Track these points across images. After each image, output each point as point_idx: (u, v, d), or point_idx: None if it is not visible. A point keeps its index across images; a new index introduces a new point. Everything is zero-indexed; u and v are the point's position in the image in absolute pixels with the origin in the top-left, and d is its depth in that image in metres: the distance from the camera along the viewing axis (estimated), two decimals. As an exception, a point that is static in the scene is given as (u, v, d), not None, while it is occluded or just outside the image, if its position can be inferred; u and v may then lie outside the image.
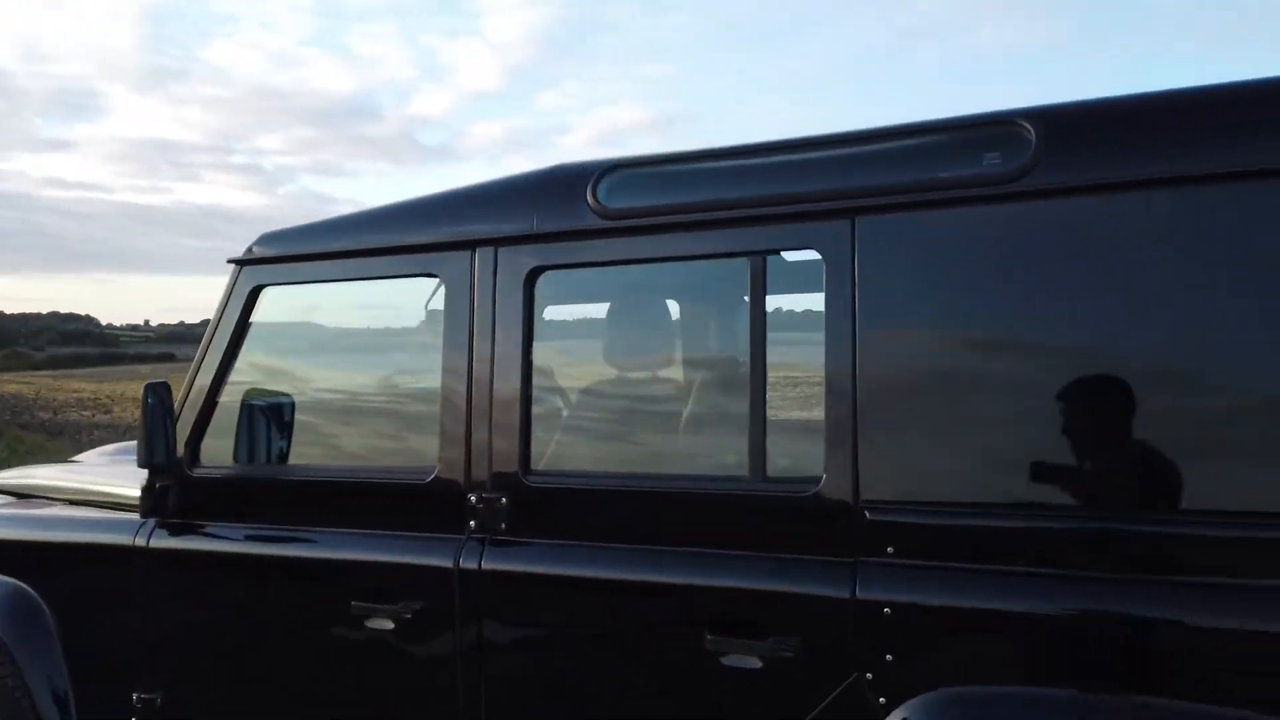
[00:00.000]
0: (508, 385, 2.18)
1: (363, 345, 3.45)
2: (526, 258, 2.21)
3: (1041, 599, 1.72)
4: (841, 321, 1.90)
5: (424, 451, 2.32)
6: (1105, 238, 1.73)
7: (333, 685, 2.35)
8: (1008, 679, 1.73)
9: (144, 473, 2.54)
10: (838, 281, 1.91)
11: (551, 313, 2.52)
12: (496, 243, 2.25)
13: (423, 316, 2.48)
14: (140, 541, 2.57)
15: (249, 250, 2.56)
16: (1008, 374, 1.79)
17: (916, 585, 1.80)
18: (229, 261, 2.59)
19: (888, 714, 1.80)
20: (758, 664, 1.90)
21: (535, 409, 2.19)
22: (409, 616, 2.22)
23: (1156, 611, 1.65)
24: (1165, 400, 1.69)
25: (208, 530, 2.53)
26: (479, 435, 2.20)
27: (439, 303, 2.35)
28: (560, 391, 2.57)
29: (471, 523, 2.20)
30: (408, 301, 2.54)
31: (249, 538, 2.46)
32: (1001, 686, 1.74)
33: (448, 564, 2.19)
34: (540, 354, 2.22)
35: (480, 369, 2.22)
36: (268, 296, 2.54)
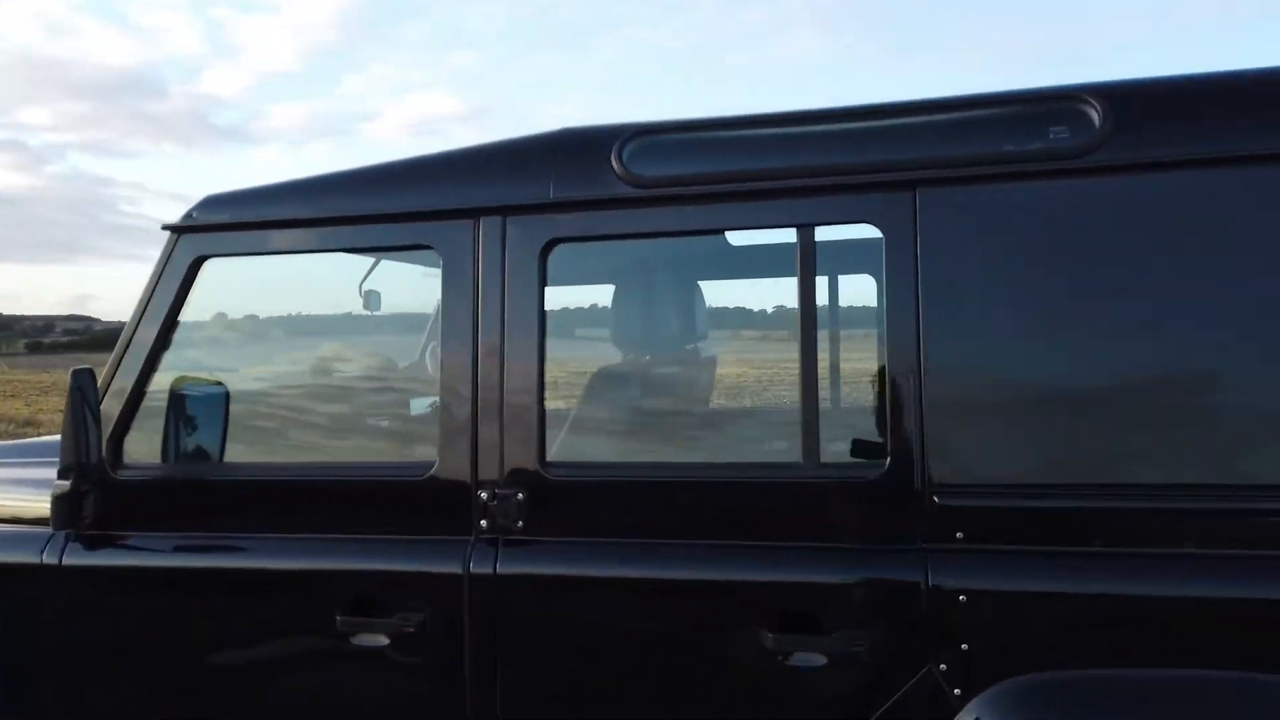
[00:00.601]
0: (523, 370, 1.98)
1: (326, 326, 3.10)
2: (541, 229, 2.01)
3: (1119, 580, 1.69)
4: (904, 299, 1.81)
5: (415, 445, 2.08)
6: (1174, 215, 1.73)
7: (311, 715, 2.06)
8: (1085, 664, 1.69)
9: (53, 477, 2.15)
10: (899, 257, 1.82)
11: (564, 291, 2.30)
12: (505, 211, 2.03)
13: (405, 293, 2.22)
14: (51, 559, 2.18)
15: (189, 215, 2.22)
16: (1077, 353, 1.76)
17: (990, 571, 1.74)
18: (164, 228, 2.23)
19: (963, 706, 1.73)
20: (823, 661, 1.79)
21: (554, 396, 1.99)
22: (409, 631, 1.97)
23: (1238, 589, 1.66)
24: (1236, 377, 1.70)
25: (133, 543, 2.17)
26: (488, 426, 1.98)
27: (412, 280, 2.11)
28: (584, 377, 2.36)
29: (482, 522, 1.97)
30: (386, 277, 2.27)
31: (182, 549, 2.13)
32: (1076, 671, 1.70)
33: (456, 569, 1.96)
34: (555, 335, 2.02)
35: (488, 352, 2.00)
36: (211, 270, 2.21)
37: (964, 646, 1.74)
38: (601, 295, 2.28)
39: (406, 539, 2.01)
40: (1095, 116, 1.77)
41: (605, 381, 2.34)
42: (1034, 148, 1.79)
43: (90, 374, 2.10)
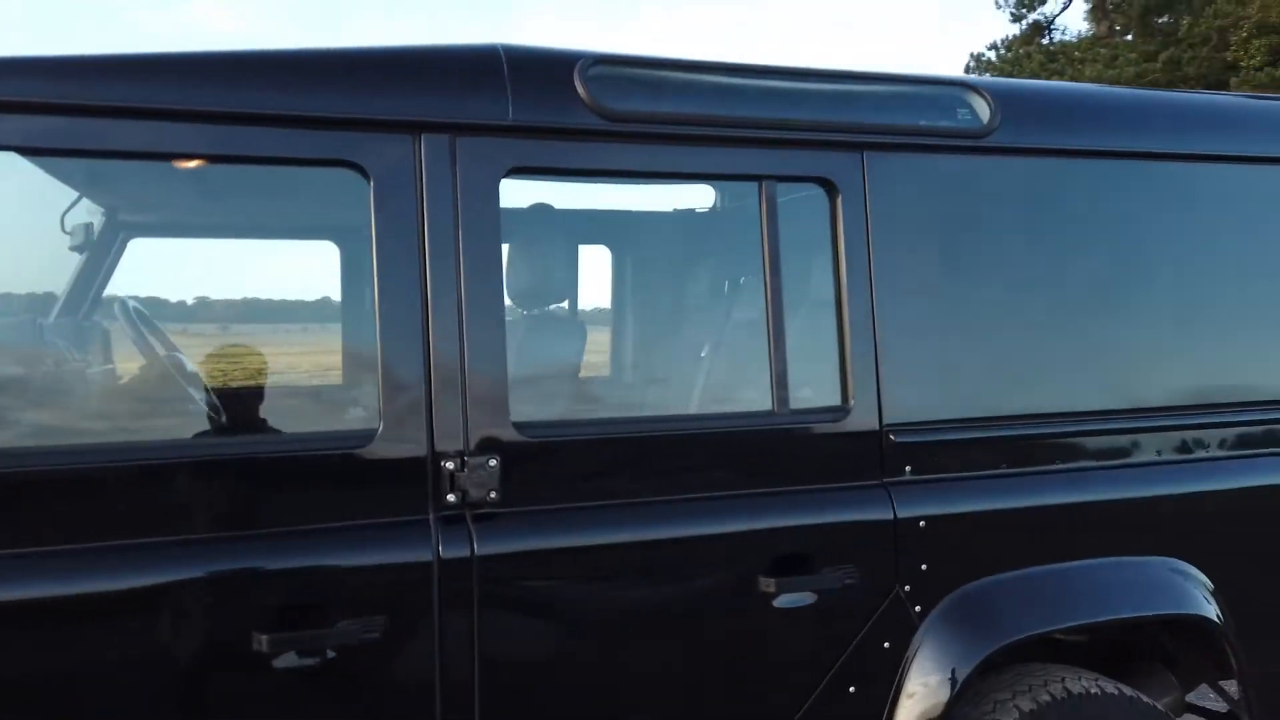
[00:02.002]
0: (484, 316, 1.71)
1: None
2: (500, 154, 1.75)
3: (1034, 493, 2.02)
4: (856, 253, 1.94)
5: (341, 409, 1.69)
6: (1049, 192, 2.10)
7: None
8: (1008, 568, 2.00)
9: None
10: (852, 212, 1.95)
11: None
12: (455, 130, 1.73)
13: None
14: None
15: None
16: (995, 301, 2.05)
17: (943, 498, 1.96)
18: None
19: (922, 621, 1.93)
20: (812, 599, 1.86)
21: (516, 345, 1.76)
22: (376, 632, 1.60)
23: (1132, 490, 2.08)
24: (1103, 324, 2.12)
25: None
26: (442, 384, 1.68)
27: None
28: (545, 321, 2.03)
29: (450, 496, 1.67)
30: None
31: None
32: (999, 575, 1.99)
33: (426, 556, 1.64)
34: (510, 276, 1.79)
35: (441, 293, 1.69)
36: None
37: (923, 567, 1.93)
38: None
39: (353, 524, 1.63)
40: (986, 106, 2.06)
41: (575, 331, 2.09)
42: (948, 125, 2.03)
43: None
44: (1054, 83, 2.35)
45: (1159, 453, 2.14)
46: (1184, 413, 2.16)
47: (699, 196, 2.26)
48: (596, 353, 2.05)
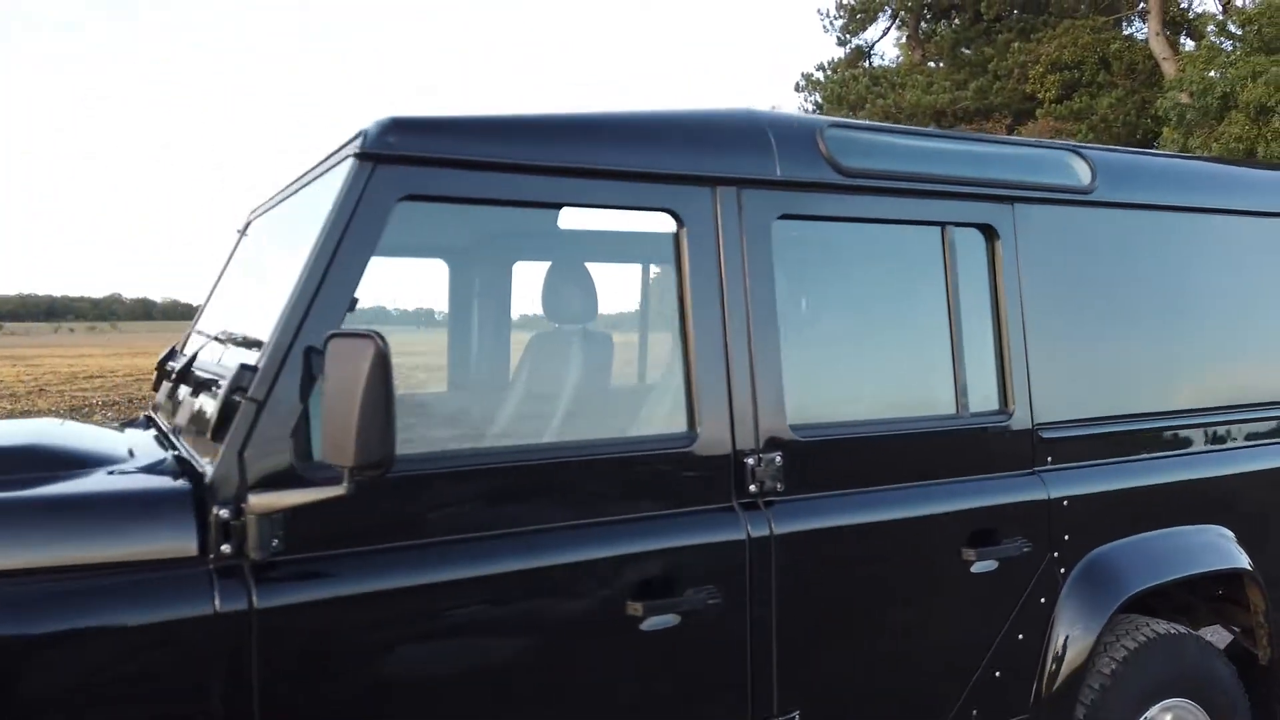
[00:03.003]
0: (767, 333, 2.07)
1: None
2: (773, 203, 2.11)
3: (1139, 476, 2.56)
4: (1013, 286, 2.42)
5: (664, 414, 2.00)
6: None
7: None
8: (1123, 535, 2.52)
9: None
10: (1008, 252, 2.42)
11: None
12: (741, 184, 2.07)
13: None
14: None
15: (380, 140, 1.73)
16: (1105, 323, 2.58)
17: (1078, 481, 2.46)
18: (356, 157, 1.70)
19: (1065, 580, 2.42)
20: (995, 565, 2.31)
21: (791, 360, 2.12)
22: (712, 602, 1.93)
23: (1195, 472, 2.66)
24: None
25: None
26: (742, 390, 2.03)
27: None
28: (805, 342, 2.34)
29: (751, 487, 2.02)
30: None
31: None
32: (1118, 541, 2.51)
33: (740, 536, 1.98)
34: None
35: (733, 314, 2.03)
36: (410, 214, 1.76)
37: (1066, 537, 2.42)
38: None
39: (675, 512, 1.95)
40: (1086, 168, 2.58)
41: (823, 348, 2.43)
42: (1065, 183, 2.54)
43: None
44: (1136, 152, 2.86)
45: (1208, 441, 2.74)
46: (1227, 410, 2.77)
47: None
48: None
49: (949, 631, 2.29)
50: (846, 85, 27.90)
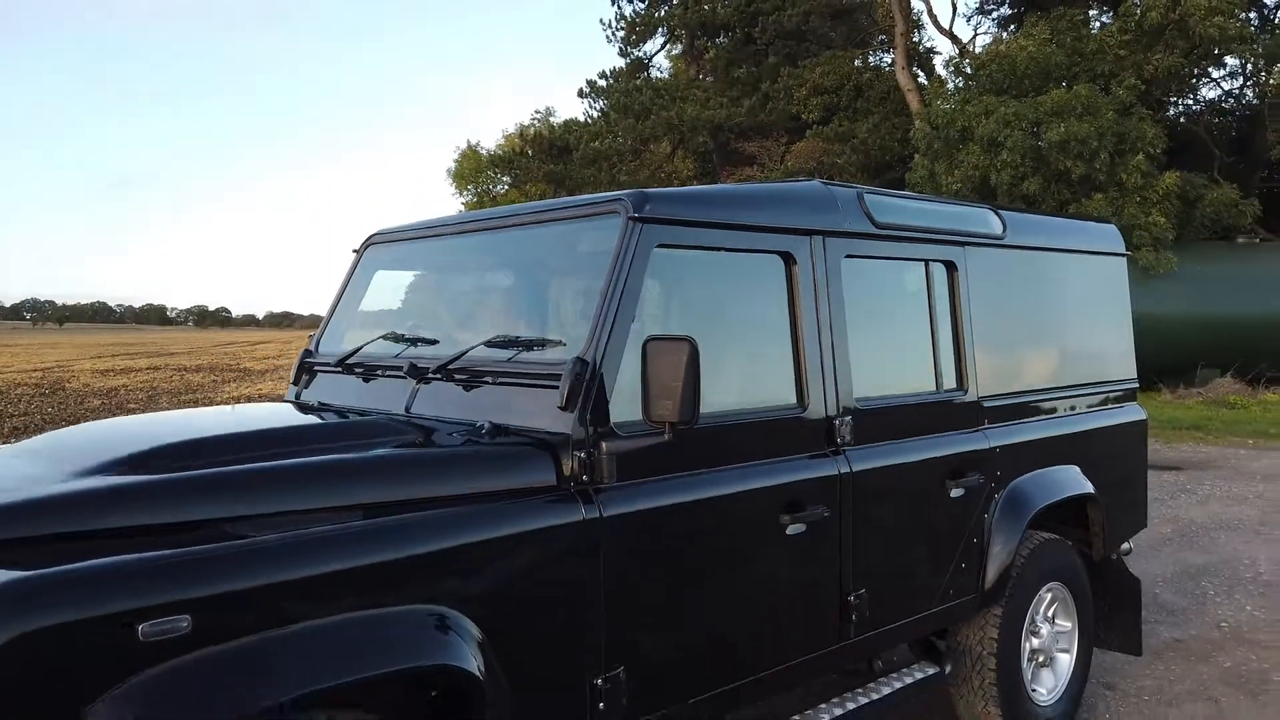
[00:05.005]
0: (839, 335, 3.07)
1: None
2: (842, 247, 3.11)
3: (1039, 430, 3.78)
4: (965, 304, 3.56)
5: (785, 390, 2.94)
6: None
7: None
8: (1031, 470, 3.73)
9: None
10: (963, 280, 3.56)
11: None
12: (826, 234, 3.06)
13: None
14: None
15: (641, 208, 2.57)
16: (1021, 322, 3.78)
17: (1004, 435, 3.64)
18: (630, 219, 2.53)
19: (993, 497, 3.59)
20: (962, 493, 3.43)
21: (855, 353, 3.12)
22: (826, 515, 2.90)
23: (1063, 429, 3.91)
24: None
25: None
26: (829, 374, 3.01)
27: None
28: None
29: (838, 439, 3.00)
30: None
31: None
32: (1028, 474, 3.72)
33: (832, 472, 2.96)
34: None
35: (824, 324, 3.01)
36: (667, 254, 2.62)
37: (998, 473, 3.59)
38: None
39: (796, 458, 2.90)
40: (1002, 220, 3.78)
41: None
42: (990, 232, 3.73)
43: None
44: (1026, 210, 4.00)
45: (1067, 408, 4.03)
46: (1077, 388, 4.09)
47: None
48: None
49: (941, 537, 3.39)
50: (631, 95, 29.33)
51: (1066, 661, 3.98)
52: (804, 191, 3.12)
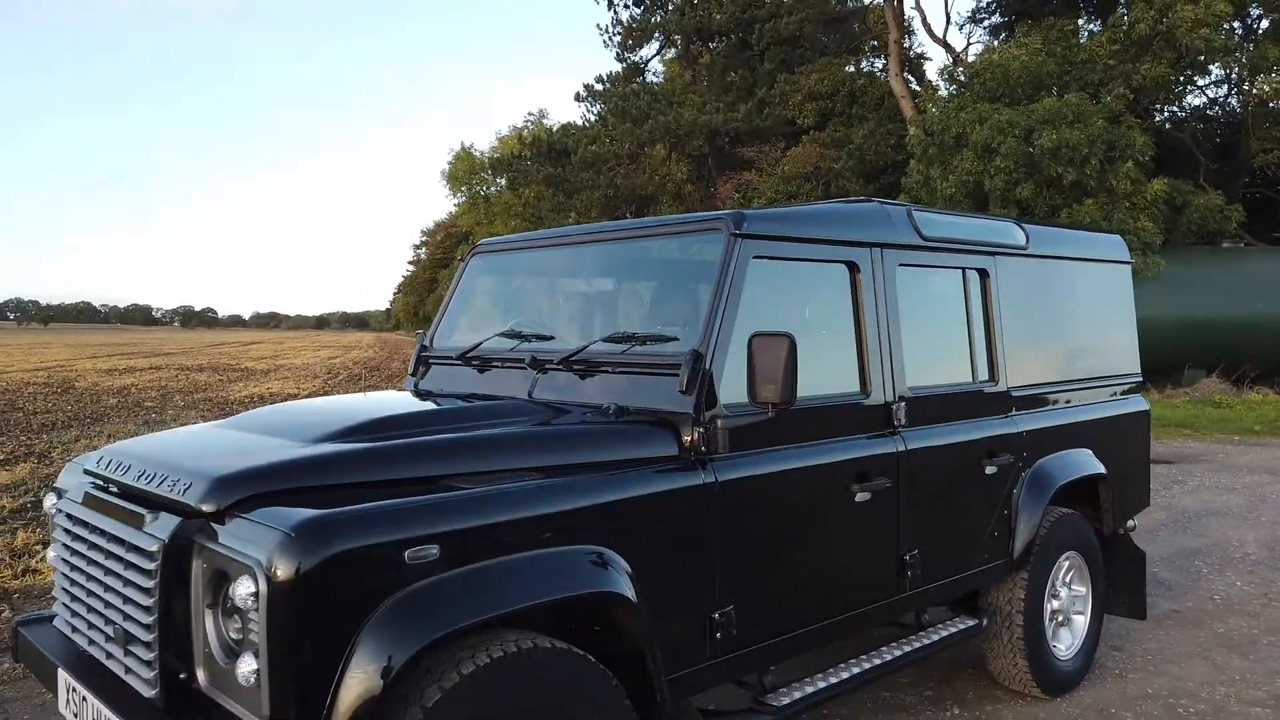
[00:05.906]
0: (895, 333, 3.57)
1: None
2: (897, 257, 3.61)
3: (1058, 418, 4.29)
4: (996, 306, 4.07)
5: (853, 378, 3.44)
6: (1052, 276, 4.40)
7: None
8: (1051, 452, 4.24)
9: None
10: (994, 286, 4.07)
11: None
12: (883, 246, 3.56)
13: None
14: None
15: (740, 225, 3.06)
16: (1044, 329, 4.29)
17: (1030, 420, 4.15)
18: (731, 235, 3.02)
19: (1020, 475, 4.10)
20: (995, 470, 3.94)
21: (906, 348, 3.62)
22: (888, 485, 3.40)
23: (1076, 416, 4.42)
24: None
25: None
26: (886, 365, 3.51)
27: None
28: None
29: (894, 421, 3.50)
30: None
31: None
32: (1050, 455, 4.23)
33: (890, 450, 3.46)
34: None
35: (882, 323, 3.51)
36: (761, 264, 3.11)
37: (1025, 454, 4.10)
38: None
39: (862, 436, 3.40)
40: (1026, 233, 4.30)
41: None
42: (1016, 243, 4.24)
43: None
44: (1048, 222, 4.47)
45: (1080, 399, 4.55)
46: (1086, 381, 4.61)
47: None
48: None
49: (977, 509, 3.89)
50: (628, 99, 29.81)
51: (1082, 622, 4.50)
52: (864, 210, 3.62)
